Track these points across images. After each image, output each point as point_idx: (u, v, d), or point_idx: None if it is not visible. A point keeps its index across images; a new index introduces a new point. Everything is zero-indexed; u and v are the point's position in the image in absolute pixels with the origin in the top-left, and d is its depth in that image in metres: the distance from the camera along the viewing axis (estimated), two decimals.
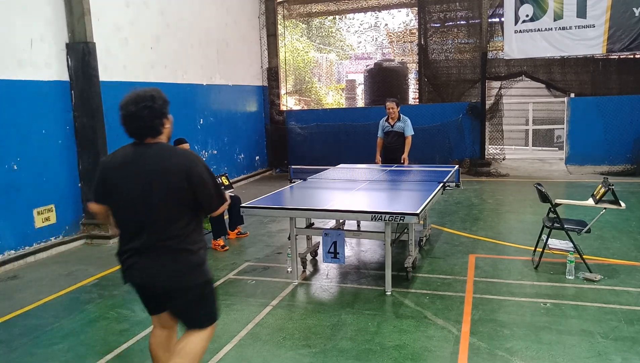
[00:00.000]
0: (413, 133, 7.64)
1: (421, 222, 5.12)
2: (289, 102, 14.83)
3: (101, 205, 2.80)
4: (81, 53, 6.77)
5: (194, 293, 2.76)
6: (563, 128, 11.74)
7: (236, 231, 6.81)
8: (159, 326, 2.94)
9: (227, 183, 6.52)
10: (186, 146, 6.60)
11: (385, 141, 7.80)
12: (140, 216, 2.63)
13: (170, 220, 2.63)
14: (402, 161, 7.48)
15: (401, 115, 7.70)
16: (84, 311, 4.57)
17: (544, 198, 5.07)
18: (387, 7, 13.64)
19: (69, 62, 6.80)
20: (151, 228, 2.62)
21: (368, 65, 15.84)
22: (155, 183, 2.60)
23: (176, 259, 2.67)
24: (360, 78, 19.41)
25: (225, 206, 2.89)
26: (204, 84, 10.03)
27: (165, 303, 2.80)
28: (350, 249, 6.09)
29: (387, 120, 7.74)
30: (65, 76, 6.80)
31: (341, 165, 7.66)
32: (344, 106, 20.15)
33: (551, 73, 11.15)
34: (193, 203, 2.67)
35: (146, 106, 2.59)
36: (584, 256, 5.00)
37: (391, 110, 7.63)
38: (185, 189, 2.61)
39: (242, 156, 11.43)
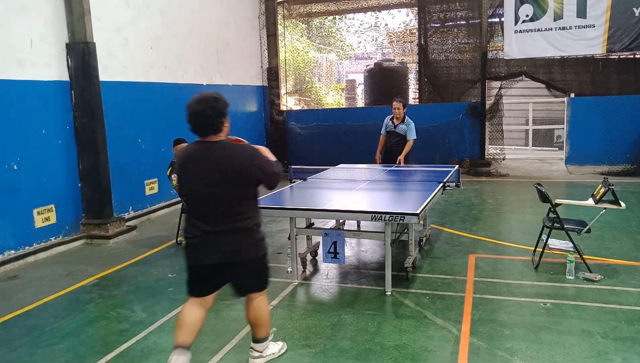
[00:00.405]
0: (415, 138, 7.59)
1: (421, 222, 5.12)
2: (289, 102, 14.83)
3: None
4: (81, 53, 6.77)
5: (258, 263, 3.29)
6: (563, 128, 11.74)
7: None
8: (199, 305, 3.29)
9: None
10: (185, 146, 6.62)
11: (387, 140, 7.80)
12: (211, 203, 3.07)
13: (236, 205, 3.10)
14: (397, 162, 7.44)
15: (406, 117, 7.67)
16: (84, 311, 4.57)
17: (544, 198, 5.07)
18: (387, 7, 13.63)
19: (69, 62, 6.80)
20: (221, 213, 3.08)
21: (368, 65, 15.84)
22: (220, 172, 3.03)
23: (245, 236, 3.15)
24: (360, 78, 19.41)
25: (280, 178, 3.28)
26: (204, 84, 10.03)
27: (226, 279, 3.27)
28: (350, 249, 6.09)
29: (391, 119, 7.72)
30: (65, 76, 6.80)
31: (341, 165, 7.66)
32: (344, 106, 20.14)
33: (551, 73, 11.15)
34: (255, 187, 3.17)
35: (210, 106, 3.03)
36: (584, 256, 5.00)
37: (397, 110, 7.59)
38: (248, 175, 3.08)
39: None
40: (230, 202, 3.08)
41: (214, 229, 3.09)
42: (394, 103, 7.60)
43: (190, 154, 3.18)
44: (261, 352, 3.49)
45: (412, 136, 7.55)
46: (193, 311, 3.27)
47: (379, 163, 7.95)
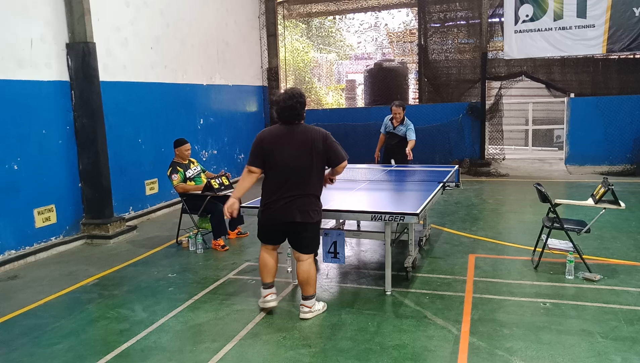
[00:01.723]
0: (415, 138, 7.61)
1: (421, 222, 5.12)
2: None
3: (259, 168, 4.05)
4: (81, 53, 6.77)
5: (316, 227, 4.11)
6: (563, 128, 11.74)
7: (236, 231, 6.82)
8: (271, 250, 4.26)
9: (227, 183, 6.52)
10: (187, 146, 6.62)
11: (386, 141, 7.82)
12: (291, 173, 3.93)
13: (311, 175, 3.97)
14: (406, 154, 7.34)
15: (406, 118, 7.71)
16: (84, 311, 4.57)
17: (544, 198, 5.08)
18: (387, 7, 13.64)
19: (69, 62, 6.80)
20: (297, 181, 3.93)
21: (368, 65, 15.86)
22: (303, 148, 3.94)
23: (312, 203, 4.02)
24: (360, 78, 19.41)
25: (346, 163, 4.13)
26: (204, 84, 10.03)
27: (291, 234, 4.10)
28: (350, 249, 6.09)
29: (391, 120, 7.76)
30: (65, 76, 6.80)
31: None
32: (344, 106, 20.15)
33: (551, 73, 11.15)
34: (329, 158, 4.03)
35: (298, 101, 3.98)
36: (584, 256, 5.00)
37: (397, 115, 7.66)
38: (322, 151, 3.98)
39: (242, 156, 11.42)
40: (305, 172, 3.94)
41: (287, 195, 3.93)
42: (394, 108, 7.64)
43: (278, 134, 4.02)
44: (310, 307, 4.16)
45: (412, 136, 7.57)
46: (268, 255, 4.24)
47: (378, 162, 7.98)
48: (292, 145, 3.96)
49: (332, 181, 4.38)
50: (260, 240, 4.28)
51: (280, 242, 4.26)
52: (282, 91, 4.07)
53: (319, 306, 4.26)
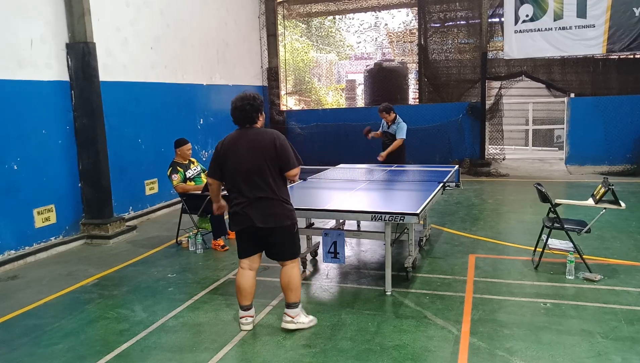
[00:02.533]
0: (404, 137, 7.83)
1: (421, 222, 5.12)
2: (289, 103, 14.83)
3: (216, 180, 3.98)
4: (81, 53, 6.77)
5: (287, 231, 3.88)
6: (563, 128, 11.74)
7: None
8: (248, 268, 4.00)
9: None
10: (188, 146, 6.62)
11: (382, 139, 8.13)
12: (246, 177, 3.77)
13: (268, 179, 3.76)
14: (397, 154, 7.78)
15: (397, 117, 7.93)
16: (84, 312, 4.57)
17: (544, 198, 5.07)
18: (387, 7, 13.64)
19: (69, 62, 6.80)
20: (255, 185, 3.76)
21: (368, 65, 15.83)
22: (254, 152, 3.76)
23: (275, 206, 3.81)
24: (360, 78, 19.40)
25: (298, 170, 3.90)
26: (204, 84, 10.03)
27: (263, 243, 3.92)
28: (350, 249, 6.09)
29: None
30: (65, 76, 6.80)
31: (341, 165, 7.67)
32: (344, 106, 20.14)
33: (551, 73, 11.14)
34: (279, 164, 3.79)
35: (249, 103, 3.82)
36: (584, 256, 5.00)
37: (385, 118, 7.96)
38: (274, 156, 3.75)
39: None
40: (262, 176, 3.76)
41: (248, 200, 3.78)
42: (380, 114, 7.94)
43: (230, 140, 3.89)
44: (293, 318, 3.95)
45: (400, 135, 7.79)
46: (245, 275, 3.99)
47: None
48: (243, 149, 3.80)
49: (291, 182, 4.12)
50: (238, 254, 4.04)
51: (255, 253, 3.99)
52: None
53: (304, 320, 3.99)
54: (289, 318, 3.95)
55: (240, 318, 4.06)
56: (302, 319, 3.99)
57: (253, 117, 3.86)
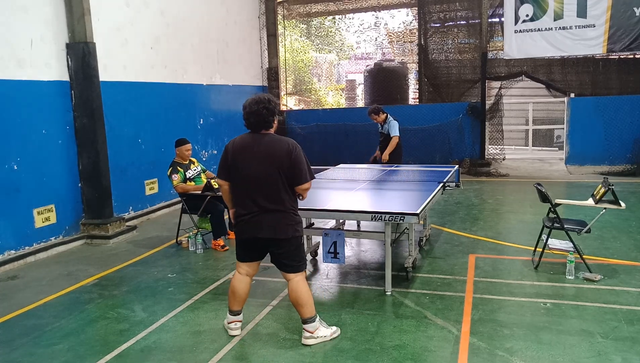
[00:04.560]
0: (398, 134, 7.94)
1: (421, 222, 5.12)
2: (289, 103, 14.83)
3: (226, 181, 3.75)
4: (81, 53, 6.77)
5: (293, 242, 3.70)
6: (563, 128, 11.74)
7: None
8: (245, 274, 3.88)
9: None
10: (188, 146, 6.62)
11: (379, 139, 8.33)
12: (255, 186, 3.59)
13: (279, 190, 3.58)
14: (382, 160, 7.93)
15: (388, 116, 8.10)
16: (84, 312, 4.56)
17: (544, 198, 5.07)
18: (387, 7, 13.63)
19: (69, 62, 6.79)
20: (264, 195, 3.58)
21: (368, 65, 15.83)
22: (267, 161, 3.55)
23: (283, 218, 3.63)
24: (360, 78, 19.40)
25: (309, 186, 3.70)
26: (204, 84, 10.03)
27: (265, 251, 3.78)
28: (350, 249, 6.09)
29: None
30: (65, 76, 6.79)
31: (341, 165, 7.67)
32: (344, 106, 20.14)
33: (551, 73, 11.14)
34: (291, 176, 3.59)
35: (265, 107, 3.59)
36: (584, 256, 5.00)
37: (375, 120, 8.14)
38: (287, 167, 3.55)
39: None
40: (272, 186, 3.57)
41: (255, 209, 3.61)
42: (370, 116, 8.14)
43: (243, 144, 3.68)
44: (312, 333, 3.76)
45: (393, 133, 7.92)
46: (241, 280, 3.87)
47: (374, 160, 8.39)
48: (256, 157, 3.59)
49: (301, 197, 3.80)
50: (236, 257, 3.90)
51: (254, 260, 3.86)
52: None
53: (325, 333, 3.79)
54: (308, 334, 3.75)
55: (229, 323, 3.94)
56: (322, 332, 3.78)
57: (270, 121, 3.65)
